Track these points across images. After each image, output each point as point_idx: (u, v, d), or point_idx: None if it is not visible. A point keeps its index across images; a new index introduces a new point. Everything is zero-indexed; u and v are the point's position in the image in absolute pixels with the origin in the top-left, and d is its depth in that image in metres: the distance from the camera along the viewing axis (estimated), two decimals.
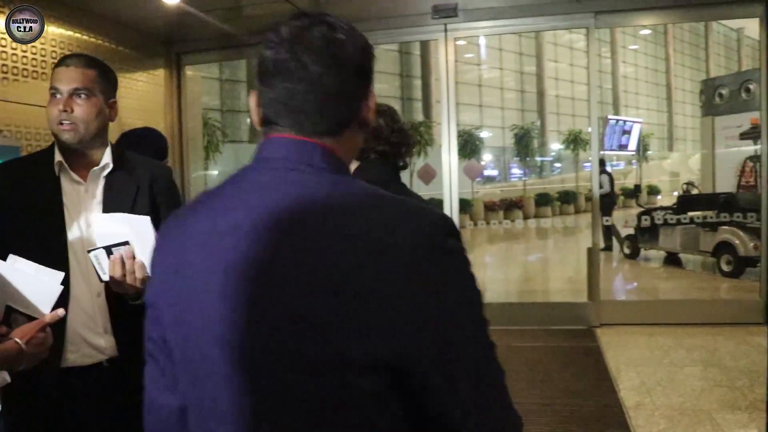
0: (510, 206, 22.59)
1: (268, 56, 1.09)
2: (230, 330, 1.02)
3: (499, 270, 12.93)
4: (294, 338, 0.98)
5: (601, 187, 7.94)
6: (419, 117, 31.98)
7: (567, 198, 26.81)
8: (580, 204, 26.64)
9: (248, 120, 23.94)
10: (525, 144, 30.62)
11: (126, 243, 2.07)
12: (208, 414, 1.08)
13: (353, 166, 2.02)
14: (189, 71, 8.21)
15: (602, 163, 11.58)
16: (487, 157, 33.61)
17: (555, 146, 39.07)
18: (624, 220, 10.65)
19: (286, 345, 0.99)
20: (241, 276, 1.01)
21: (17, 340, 1.80)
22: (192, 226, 1.12)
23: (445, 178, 7.49)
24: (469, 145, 24.53)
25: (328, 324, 0.97)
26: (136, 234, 2.08)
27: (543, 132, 40.44)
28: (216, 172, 16.36)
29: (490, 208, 21.43)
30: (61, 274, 1.97)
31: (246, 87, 24.84)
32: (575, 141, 32.32)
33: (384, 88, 32.17)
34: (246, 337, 1.01)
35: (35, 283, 1.91)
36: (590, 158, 7.78)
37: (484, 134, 28.02)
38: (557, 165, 38.93)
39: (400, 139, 2.33)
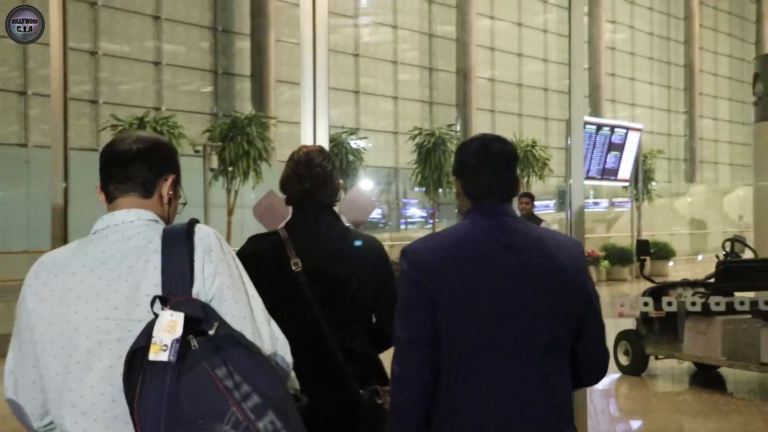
0: None
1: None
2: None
3: None
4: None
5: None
6: (244, 107, 19.38)
7: None
8: None
9: None
10: (433, 163, 18.06)
11: None
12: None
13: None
14: None
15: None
16: (367, 185, 19.97)
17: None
18: (616, 303, 6.90)
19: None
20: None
21: None
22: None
23: None
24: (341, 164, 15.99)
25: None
26: None
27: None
28: None
29: None
30: None
31: None
32: (527, 160, 20.36)
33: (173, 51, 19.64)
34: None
35: None
36: (558, 189, 4.14)
37: (362, 143, 17.57)
38: None
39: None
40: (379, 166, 22.99)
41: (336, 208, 2.68)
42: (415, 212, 24.41)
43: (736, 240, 8.13)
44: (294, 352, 1.80)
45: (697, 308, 6.68)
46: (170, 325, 1.57)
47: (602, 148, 19.18)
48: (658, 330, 7.78)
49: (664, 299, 6.97)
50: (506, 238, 2.05)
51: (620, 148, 19.70)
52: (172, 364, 1.54)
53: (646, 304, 6.90)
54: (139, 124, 12.83)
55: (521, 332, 1.99)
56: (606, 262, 19.66)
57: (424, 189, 18.53)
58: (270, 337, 1.74)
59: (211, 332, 1.59)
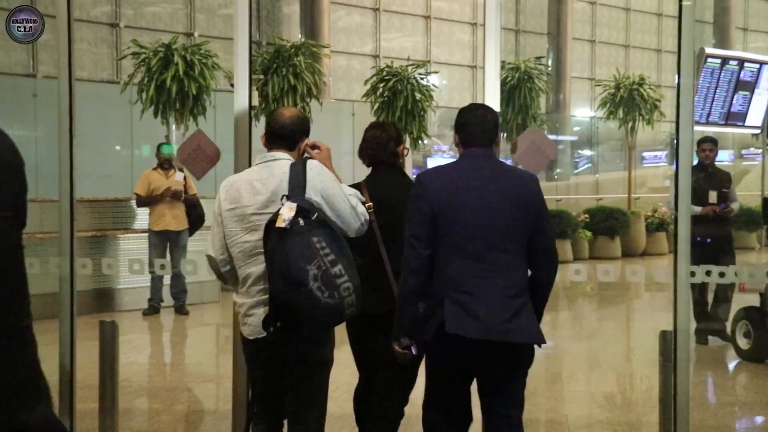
0: None
1: None
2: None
3: None
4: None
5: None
6: (292, 34, 18.97)
7: (608, 223, 18.65)
8: (633, 236, 19.13)
9: None
10: (518, 103, 17.63)
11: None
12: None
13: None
14: None
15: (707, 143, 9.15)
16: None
17: (581, 112, 26.22)
18: (739, 274, 5.25)
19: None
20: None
21: None
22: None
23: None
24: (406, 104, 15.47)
25: None
26: None
27: (558, 79, 24.41)
28: None
29: None
30: None
31: None
32: (633, 101, 19.39)
33: None
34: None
35: None
36: (671, 136, 4.57)
37: (433, 79, 16.72)
38: (581, 153, 24.91)
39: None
40: (453, 107, 21.75)
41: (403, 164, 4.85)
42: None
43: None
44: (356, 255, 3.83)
45: None
46: (289, 209, 3.59)
47: (728, 87, 17.99)
48: None
49: None
50: (483, 170, 3.88)
51: (751, 87, 18.35)
52: (287, 230, 3.56)
53: None
54: (165, 51, 12.83)
55: (491, 230, 3.78)
56: (732, 226, 19.15)
57: (504, 135, 18.26)
58: (355, 214, 3.92)
59: (312, 218, 3.63)
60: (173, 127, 13.25)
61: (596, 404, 7.03)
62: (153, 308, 11.09)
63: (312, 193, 3.76)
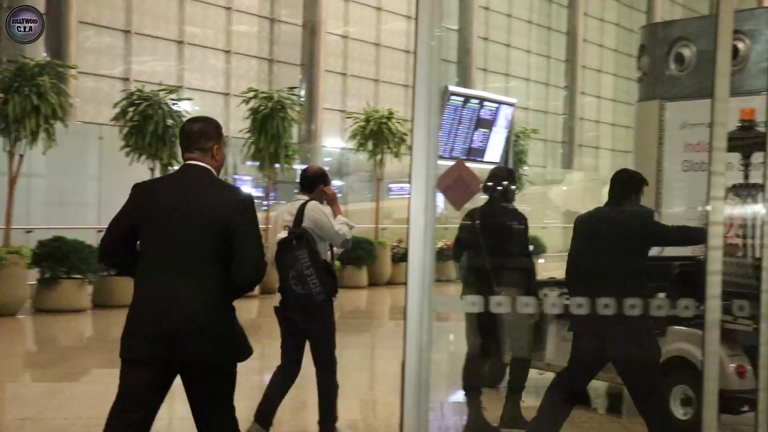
0: None
1: None
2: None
3: None
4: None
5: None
6: (36, 52, 18.49)
7: (356, 253, 18.76)
8: (379, 266, 20.04)
9: None
10: (270, 132, 17.71)
11: None
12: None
13: None
14: None
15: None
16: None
17: (331, 142, 26.31)
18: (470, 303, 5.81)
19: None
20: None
21: None
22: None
23: None
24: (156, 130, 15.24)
25: None
26: None
27: (310, 109, 24.64)
28: None
29: None
30: None
31: None
32: (382, 134, 20.08)
33: None
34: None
35: None
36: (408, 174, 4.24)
37: (185, 105, 16.79)
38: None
39: None
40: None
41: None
42: (249, 191, 24.06)
43: None
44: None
45: (558, 310, 6.51)
46: (283, 233, 6.31)
47: (469, 124, 19.35)
48: (520, 335, 7.81)
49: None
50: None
51: (490, 124, 19.84)
52: (285, 246, 6.20)
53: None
54: None
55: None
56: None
57: (258, 163, 18.40)
58: (336, 235, 6.34)
59: (301, 240, 6.13)
60: None
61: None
62: None
63: (306, 222, 6.22)
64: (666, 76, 9.99)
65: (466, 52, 30.10)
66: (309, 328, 6.41)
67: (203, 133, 4.44)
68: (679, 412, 6.91)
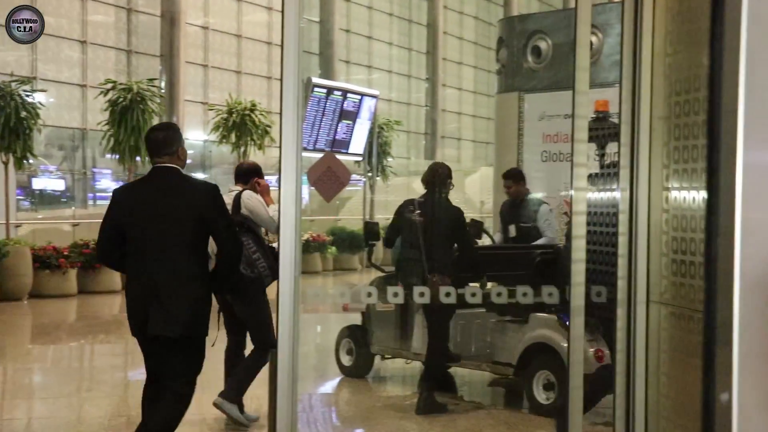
0: None
1: None
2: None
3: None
4: None
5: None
6: None
7: None
8: None
9: None
10: (130, 124, 17.19)
11: None
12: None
13: None
14: None
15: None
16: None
17: (194, 135, 25.55)
18: (339, 294, 5.42)
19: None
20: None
21: None
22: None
23: None
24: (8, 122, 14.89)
25: None
26: None
27: (171, 101, 23.87)
28: None
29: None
30: None
31: None
32: (245, 126, 20.01)
33: None
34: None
35: None
36: (273, 166, 5.65)
37: (40, 97, 16.48)
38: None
39: None
40: (61, 126, 22.21)
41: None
42: (109, 185, 23.38)
43: (473, 225, 8.27)
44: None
45: (426, 300, 5.88)
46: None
47: (333, 116, 19.47)
48: (387, 326, 8.09)
49: (390, 290, 6.18)
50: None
51: (353, 116, 20.15)
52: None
53: (370, 295, 5.98)
54: None
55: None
56: (333, 249, 20.44)
57: (117, 156, 17.93)
58: (271, 221, 6.45)
59: (243, 227, 6.41)
60: None
61: None
62: None
63: (243, 210, 6.55)
64: (524, 69, 10.30)
65: (328, 44, 30.06)
66: (244, 312, 6.69)
67: (168, 139, 5.15)
68: (541, 396, 7.06)
